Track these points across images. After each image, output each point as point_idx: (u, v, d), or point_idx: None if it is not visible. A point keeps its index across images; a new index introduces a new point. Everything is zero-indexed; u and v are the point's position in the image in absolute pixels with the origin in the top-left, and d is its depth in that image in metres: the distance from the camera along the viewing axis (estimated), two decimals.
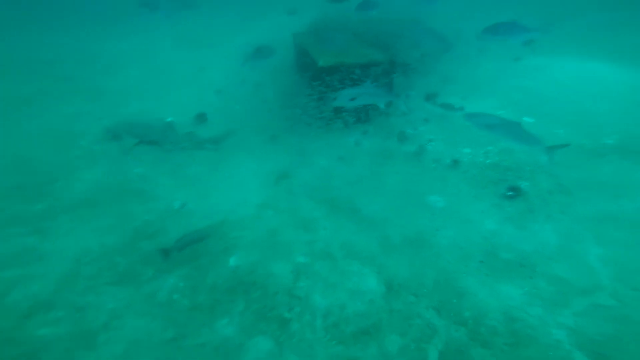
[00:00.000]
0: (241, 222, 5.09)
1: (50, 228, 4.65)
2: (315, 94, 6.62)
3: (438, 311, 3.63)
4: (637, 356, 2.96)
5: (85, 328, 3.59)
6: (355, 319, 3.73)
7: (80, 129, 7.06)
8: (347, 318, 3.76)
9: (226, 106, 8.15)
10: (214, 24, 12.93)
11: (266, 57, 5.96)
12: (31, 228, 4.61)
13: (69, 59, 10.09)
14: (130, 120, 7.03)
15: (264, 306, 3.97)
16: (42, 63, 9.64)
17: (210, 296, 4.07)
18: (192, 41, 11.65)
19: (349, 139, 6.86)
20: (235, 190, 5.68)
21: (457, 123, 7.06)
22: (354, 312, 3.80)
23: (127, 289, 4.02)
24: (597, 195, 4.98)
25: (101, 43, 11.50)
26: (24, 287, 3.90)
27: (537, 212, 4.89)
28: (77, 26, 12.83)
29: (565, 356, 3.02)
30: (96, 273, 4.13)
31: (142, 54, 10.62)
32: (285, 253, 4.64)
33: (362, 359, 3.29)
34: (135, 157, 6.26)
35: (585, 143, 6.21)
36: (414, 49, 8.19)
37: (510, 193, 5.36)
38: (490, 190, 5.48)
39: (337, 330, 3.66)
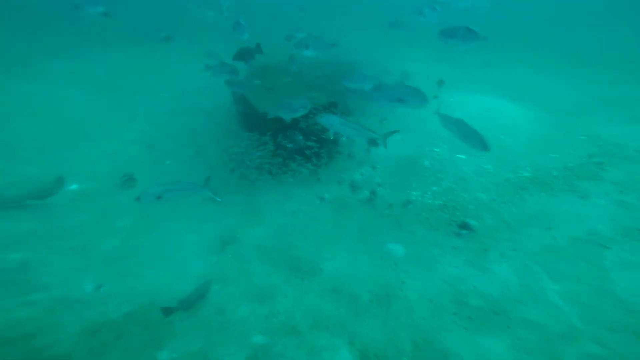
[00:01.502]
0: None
1: None
2: (258, 144, 6.35)
3: None
4: None
5: None
6: None
7: None
8: None
9: (156, 162, 7.18)
10: (140, 67, 11.85)
11: (231, 73, 5.68)
12: None
13: None
14: None
15: None
16: None
17: None
18: (113, 87, 10.32)
19: (300, 191, 6.65)
20: (169, 262, 4.84)
21: (400, 164, 7.59)
22: None
23: None
24: (534, 228, 5.68)
25: None
26: None
27: (492, 251, 5.30)
28: None
29: None
30: None
31: (46, 101, 8.77)
32: (238, 334, 4.01)
33: None
34: (15, 239, 4.83)
35: (510, 177, 7.26)
36: (350, 91, 8.79)
37: (464, 231, 5.79)
38: (445, 232, 5.83)
39: None
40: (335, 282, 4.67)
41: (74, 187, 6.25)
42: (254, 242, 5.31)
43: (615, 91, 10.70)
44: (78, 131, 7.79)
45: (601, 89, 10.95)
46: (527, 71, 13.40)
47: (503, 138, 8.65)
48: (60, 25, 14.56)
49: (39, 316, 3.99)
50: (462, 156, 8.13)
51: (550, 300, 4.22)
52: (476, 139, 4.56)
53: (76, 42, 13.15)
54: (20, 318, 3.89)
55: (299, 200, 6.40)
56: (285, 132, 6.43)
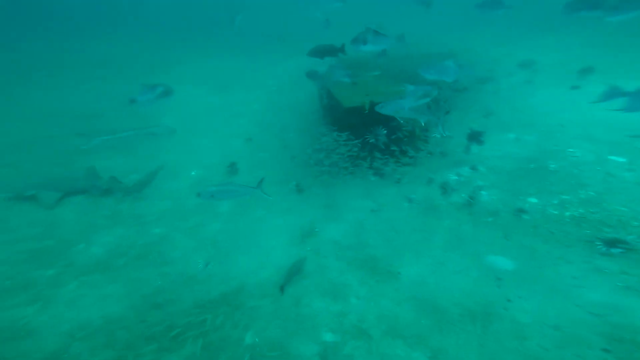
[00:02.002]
0: (261, 288, 4.66)
1: (54, 296, 4.60)
2: (341, 138, 6.45)
3: None
4: None
5: None
6: None
7: None
8: None
9: (252, 154, 8.17)
10: (245, 67, 13.95)
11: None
12: (34, 296, 4.58)
13: (109, 113, 10.88)
14: (45, 177, 7.00)
15: None
16: (86, 117, 10.46)
17: None
18: (223, 86, 12.29)
19: (382, 190, 6.40)
20: (256, 249, 5.36)
21: (513, 166, 6.28)
22: None
23: None
24: None
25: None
26: None
27: None
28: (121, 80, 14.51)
29: None
30: (87, 352, 3.82)
31: (181, 99, 10.99)
32: (311, 328, 4.04)
33: None
34: (156, 216, 6.34)
35: None
36: (449, 83, 7.94)
37: (616, 250, 4.27)
38: (582, 249, 4.46)
39: None
40: (416, 289, 4.19)
41: (193, 173, 7.57)
42: (332, 237, 5.34)
43: None
44: (198, 125, 9.39)
45: None
46: None
47: None
48: (190, 36, 18.89)
49: (167, 288, 4.82)
50: (620, 159, 6.16)
51: None
52: None
53: (200, 50, 16.56)
54: (157, 288, 4.82)
55: (381, 198, 6.12)
56: (369, 128, 6.31)
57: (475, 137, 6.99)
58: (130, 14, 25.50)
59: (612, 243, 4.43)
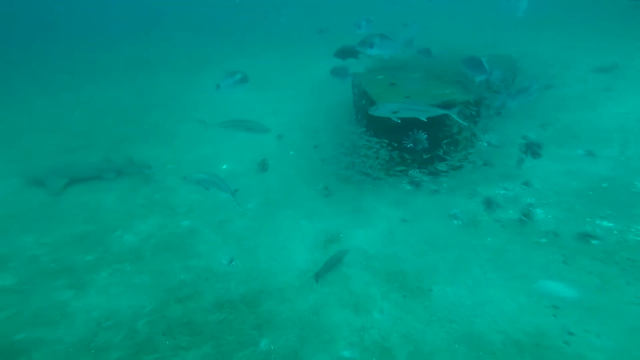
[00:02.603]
0: (280, 292, 4.51)
1: (90, 282, 4.87)
2: (375, 142, 6.07)
3: None
4: None
5: None
6: None
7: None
8: None
9: (283, 152, 8.17)
10: (282, 63, 14.24)
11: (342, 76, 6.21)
12: (73, 281, 4.89)
13: (156, 106, 11.68)
14: (57, 164, 7.44)
15: None
16: (134, 111, 11.44)
17: None
18: (261, 82, 12.38)
19: (416, 200, 5.94)
20: (279, 250, 5.22)
21: (581, 185, 5.43)
22: None
23: None
24: None
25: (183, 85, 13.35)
26: (26, 357, 3.84)
27: None
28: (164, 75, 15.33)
29: None
30: (110, 343, 3.97)
31: (216, 97, 11.46)
32: (328, 341, 3.80)
33: None
34: (186, 208, 6.46)
35: None
36: (505, 87, 7.15)
37: None
38: None
39: None
40: (449, 310, 3.76)
41: (224, 167, 7.78)
42: (357, 245, 5.04)
43: None
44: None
45: None
46: None
47: None
48: (224, 36, 19.69)
49: (190, 282, 4.84)
50: None
51: None
52: None
53: (235, 49, 17.10)
54: (180, 282, 4.87)
55: (414, 209, 5.68)
56: (407, 132, 5.85)
57: (530, 148, 6.15)
58: (156, 16, 26.97)
59: None
